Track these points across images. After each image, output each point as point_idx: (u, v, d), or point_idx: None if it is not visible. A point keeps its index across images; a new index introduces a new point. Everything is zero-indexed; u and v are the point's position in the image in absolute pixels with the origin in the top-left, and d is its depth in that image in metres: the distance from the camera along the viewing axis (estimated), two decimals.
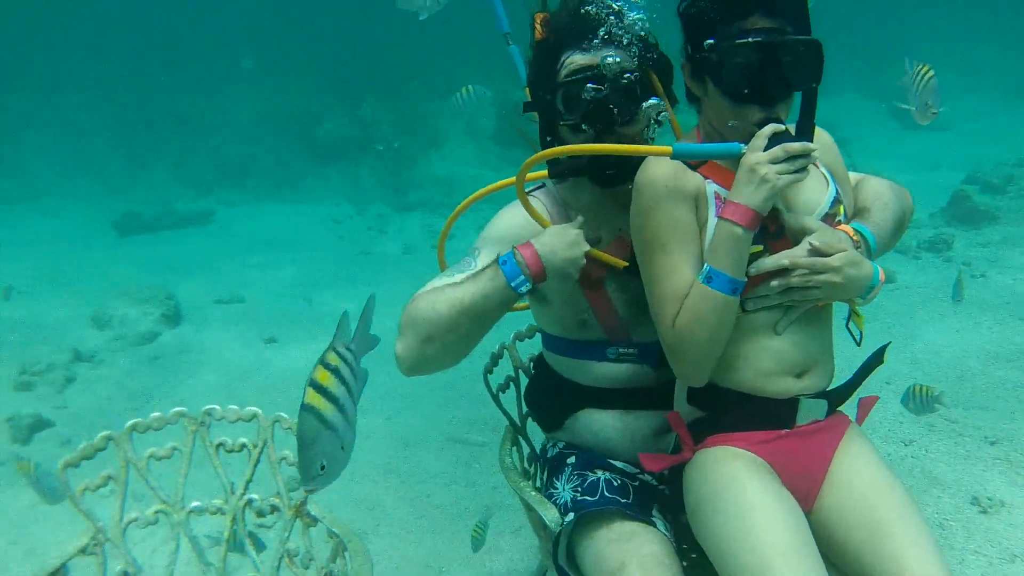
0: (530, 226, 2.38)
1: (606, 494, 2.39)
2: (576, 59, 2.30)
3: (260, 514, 2.84)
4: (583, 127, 2.28)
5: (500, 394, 3.21)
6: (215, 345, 7.71)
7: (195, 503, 2.85)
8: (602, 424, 2.55)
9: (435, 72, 18.61)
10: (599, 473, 2.49)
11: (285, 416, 2.78)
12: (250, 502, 2.85)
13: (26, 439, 6.06)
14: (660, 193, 2.11)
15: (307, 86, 18.40)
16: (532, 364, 3.13)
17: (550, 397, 2.75)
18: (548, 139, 2.46)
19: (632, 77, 2.26)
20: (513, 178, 2.41)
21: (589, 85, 2.23)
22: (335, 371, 1.82)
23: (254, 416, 2.83)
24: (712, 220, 2.11)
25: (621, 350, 2.48)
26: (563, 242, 2.24)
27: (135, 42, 21.74)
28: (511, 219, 2.47)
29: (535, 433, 3.03)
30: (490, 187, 2.59)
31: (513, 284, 2.23)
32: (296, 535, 2.78)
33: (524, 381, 3.18)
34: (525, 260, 2.22)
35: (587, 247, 2.27)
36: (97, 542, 2.75)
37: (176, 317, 8.35)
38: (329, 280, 9.71)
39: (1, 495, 5.38)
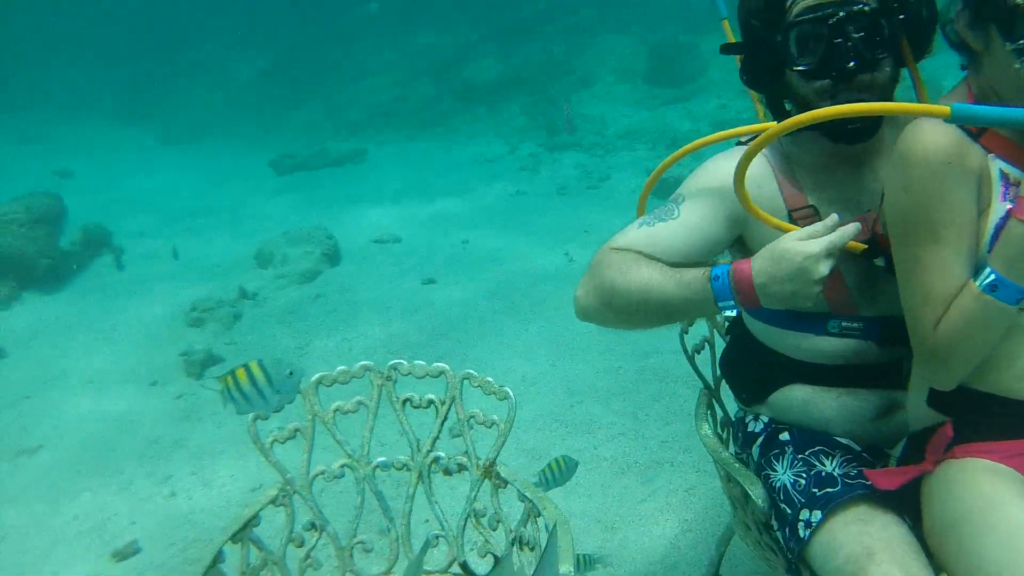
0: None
1: (848, 481, 2.11)
2: None
3: (447, 472, 2.75)
4: (817, 75, 1.97)
5: (695, 355, 3.01)
6: (375, 284, 7.74)
7: (380, 459, 2.78)
8: (816, 403, 2.29)
9: (586, 9, 18.30)
10: (826, 462, 2.20)
11: (474, 373, 2.65)
12: (437, 460, 2.75)
13: (199, 374, 6.21)
14: (938, 168, 1.77)
15: (457, 26, 18.36)
16: (727, 327, 2.86)
17: (753, 369, 2.49)
18: (766, 87, 2.20)
19: (884, 16, 1.94)
20: (732, 131, 2.18)
21: (830, 23, 1.90)
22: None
23: (441, 372, 2.70)
24: (997, 207, 1.78)
25: (844, 324, 2.18)
26: (790, 269, 1.89)
27: None
28: (722, 170, 2.16)
29: (727, 396, 2.84)
30: (707, 139, 2.32)
31: (720, 304, 1.99)
32: (484, 496, 2.69)
33: (719, 344, 2.97)
34: (739, 284, 1.96)
35: (825, 271, 1.90)
36: (286, 493, 2.72)
37: (336, 256, 8.44)
38: (483, 220, 9.61)
39: (182, 426, 5.54)
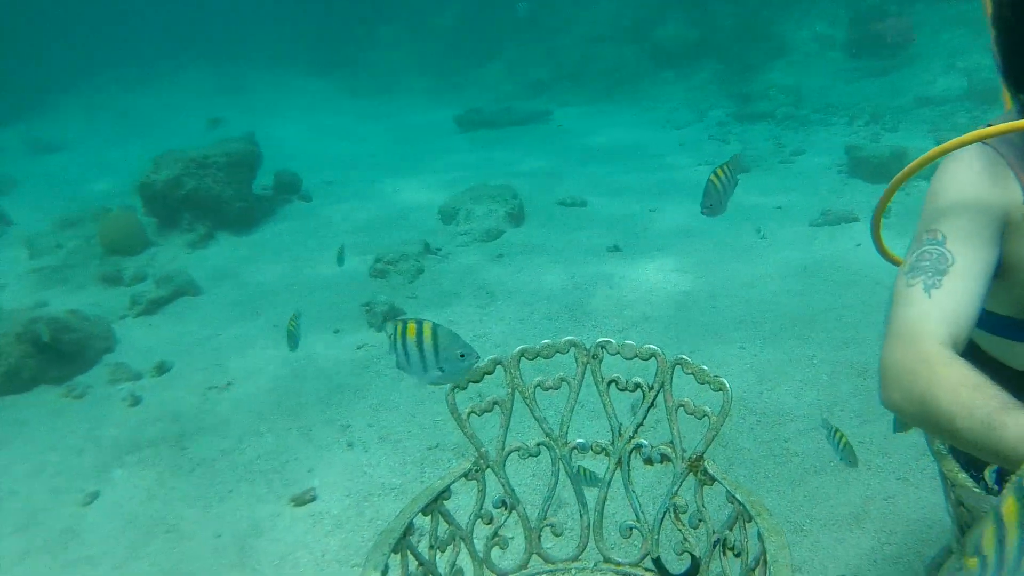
0: (993, 183, 1.83)
1: None
2: None
3: (649, 462, 2.58)
4: None
5: None
6: (558, 248, 7.62)
7: (579, 440, 2.64)
8: None
9: None
10: None
11: (687, 359, 2.46)
12: (639, 447, 2.59)
13: (380, 325, 6.25)
14: None
15: None
16: None
17: None
18: None
19: None
20: (982, 131, 1.81)
21: None
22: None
23: (652, 355, 2.53)
24: None
25: None
26: None
27: None
28: (967, 179, 1.89)
29: None
30: (946, 145, 1.90)
31: None
32: (687, 491, 2.52)
33: None
34: None
35: None
36: (479, 468, 2.62)
37: (520, 216, 8.35)
38: (669, 189, 9.32)
39: (362, 377, 5.60)
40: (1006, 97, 2.17)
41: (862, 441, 4.40)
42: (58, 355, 5.98)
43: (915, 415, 1.67)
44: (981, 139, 1.84)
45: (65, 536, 4.29)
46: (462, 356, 2.39)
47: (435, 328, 2.41)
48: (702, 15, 16.76)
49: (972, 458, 2.11)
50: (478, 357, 2.43)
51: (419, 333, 2.40)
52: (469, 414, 2.61)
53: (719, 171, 4.03)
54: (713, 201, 4.05)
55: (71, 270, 8.00)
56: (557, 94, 15.87)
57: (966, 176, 1.89)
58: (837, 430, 3.69)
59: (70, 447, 5.13)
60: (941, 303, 1.76)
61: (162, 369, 5.95)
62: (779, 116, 12.70)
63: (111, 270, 7.81)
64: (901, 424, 3.31)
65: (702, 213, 4.08)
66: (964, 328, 1.73)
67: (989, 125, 1.82)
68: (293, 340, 5.34)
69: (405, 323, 2.43)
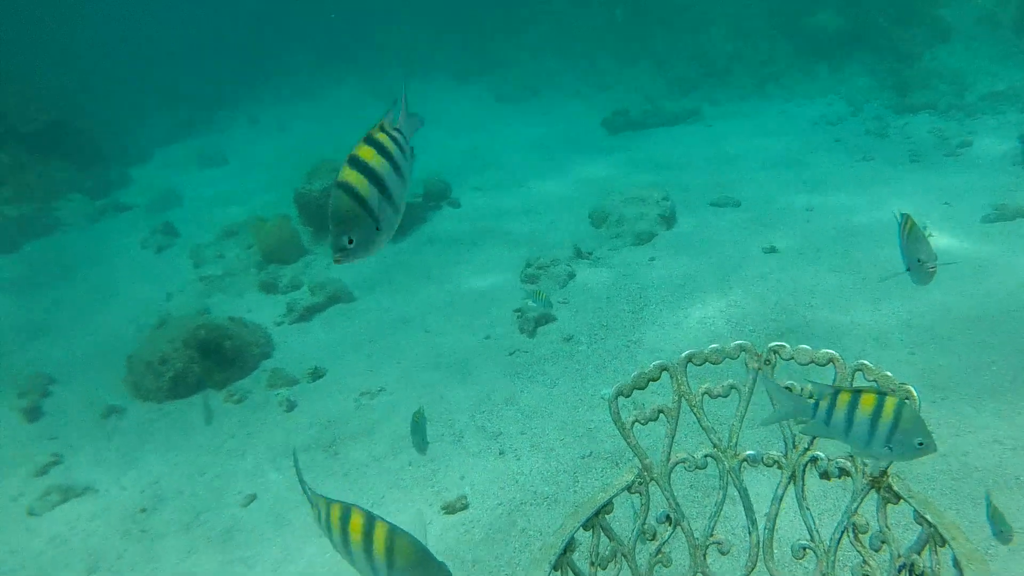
0: None
1: None
2: None
3: (825, 476, 2.41)
4: None
5: None
6: (712, 250, 7.37)
7: (750, 451, 2.49)
8: None
9: None
10: None
11: (869, 364, 2.30)
12: (814, 459, 2.43)
13: (532, 332, 6.19)
14: None
15: None
16: None
17: None
18: None
19: None
20: None
21: None
22: (379, 147, 1.76)
23: (830, 360, 2.37)
24: None
25: None
26: None
27: None
28: None
29: None
30: None
31: None
32: (867, 509, 2.34)
33: None
34: None
35: None
36: (643, 481, 2.50)
37: (672, 218, 8.14)
38: (826, 186, 8.93)
39: (514, 384, 5.55)
40: None
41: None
42: (220, 360, 6.17)
43: None
44: None
45: (224, 536, 4.40)
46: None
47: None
48: (854, 2, 16.10)
49: None
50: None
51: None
52: (633, 423, 2.50)
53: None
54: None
55: (232, 278, 8.28)
56: (707, 92, 15.51)
57: None
58: (995, 508, 3.30)
59: (230, 450, 5.27)
60: None
61: (317, 375, 6.06)
62: (942, 106, 12.03)
63: (268, 278, 8.02)
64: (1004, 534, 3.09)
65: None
66: None
67: None
68: (419, 437, 4.69)
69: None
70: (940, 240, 6.92)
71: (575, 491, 4.29)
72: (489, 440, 4.91)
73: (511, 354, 5.95)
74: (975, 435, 4.30)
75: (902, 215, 2.82)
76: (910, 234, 2.78)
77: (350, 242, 1.72)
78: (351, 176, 1.72)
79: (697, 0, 18.33)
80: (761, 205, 8.47)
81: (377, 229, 1.76)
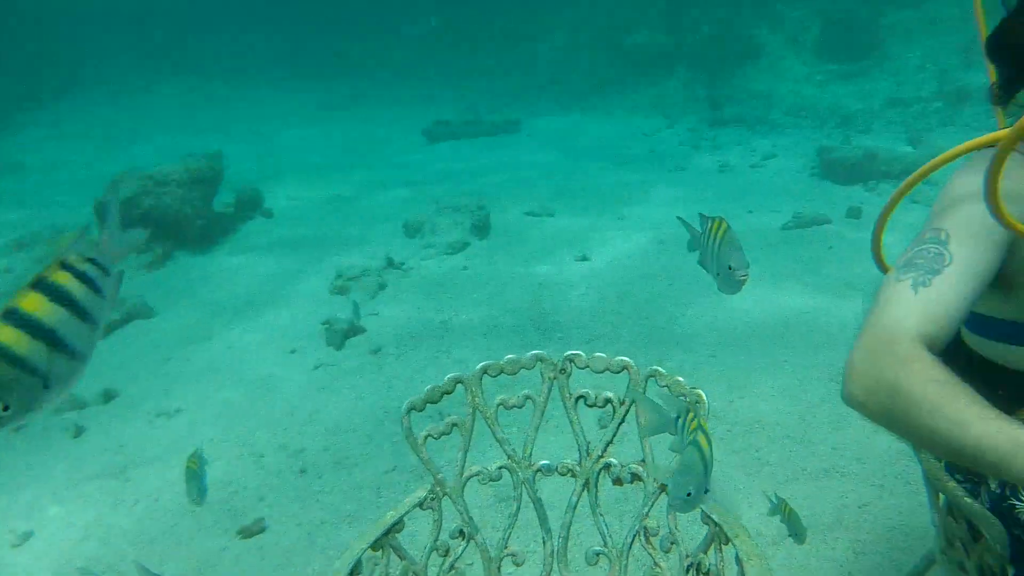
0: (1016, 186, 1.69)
1: None
2: None
3: (618, 481, 2.37)
4: None
5: None
6: (525, 259, 7.37)
7: (544, 461, 2.42)
8: None
9: None
10: None
11: (662, 371, 2.26)
12: (608, 466, 2.37)
13: (340, 344, 5.98)
14: None
15: None
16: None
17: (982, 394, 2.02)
18: None
19: None
20: (993, 135, 1.68)
21: None
22: (52, 291, 1.45)
23: (624, 368, 2.32)
24: None
25: None
26: None
27: None
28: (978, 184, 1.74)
29: None
30: (959, 149, 1.78)
31: None
32: (659, 512, 2.30)
33: None
34: None
35: None
36: (435, 496, 2.38)
37: (485, 228, 8.09)
38: (636, 197, 9.11)
39: (318, 398, 5.31)
40: (999, 120, 2.09)
41: (836, 447, 4.23)
42: None
43: (878, 411, 1.60)
44: (994, 143, 1.68)
45: None
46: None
47: None
48: (675, 21, 16.65)
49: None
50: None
51: None
52: (426, 438, 2.38)
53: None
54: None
55: None
56: (529, 103, 15.71)
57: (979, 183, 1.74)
58: (784, 502, 3.38)
59: (12, 484, 4.82)
60: (927, 302, 1.67)
61: (109, 396, 5.64)
62: (750, 120, 12.57)
63: None
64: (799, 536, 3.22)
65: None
66: (946, 330, 1.65)
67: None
68: (195, 485, 3.67)
69: None
70: (744, 246, 7.13)
71: (378, 507, 4.12)
72: (290, 458, 4.67)
73: (317, 368, 5.72)
74: (768, 431, 4.40)
75: (710, 218, 2.73)
76: (723, 239, 2.73)
77: (5, 408, 1.38)
78: (3, 335, 1.38)
79: (527, 14, 18.58)
80: (575, 214, 8.54)
81: (45, 387, 1.43)
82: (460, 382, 2.40)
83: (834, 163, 9.12)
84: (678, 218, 2.67)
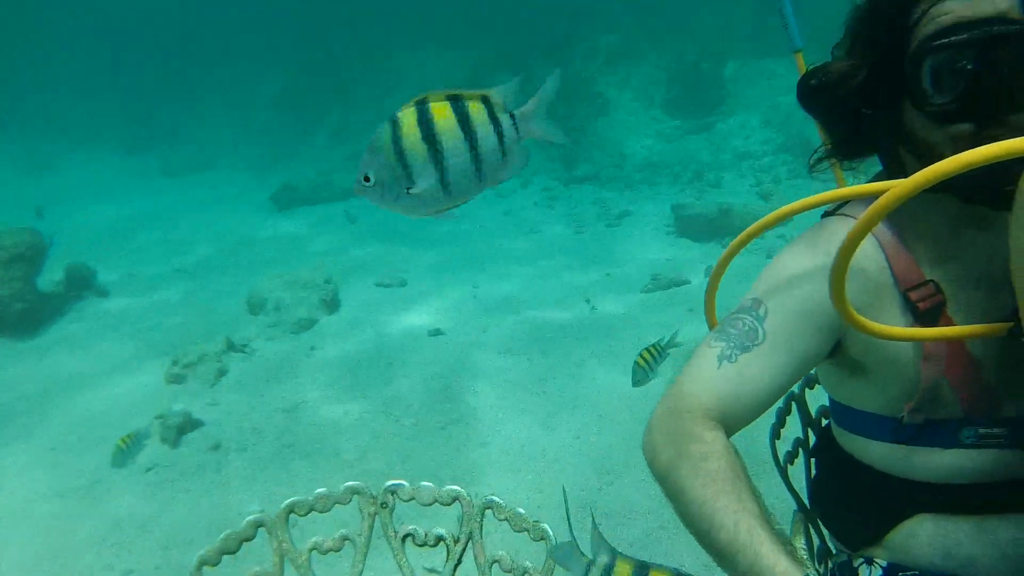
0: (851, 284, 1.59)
1: None
2: (953, 7, 1.47)
3: None
4: (957, 117, 1.47)
5: (788, 465, 2.34)
6: (376, 335, 7.00)
7: None
8: (955, 538, 1.73)
9: (604, 35, 17.82)
10: None
11: (499, 501, 1.98)
12: None
13: (175, 441, 5.49)
14: None
15: (469, 54, 17.87)
16: (813, 446, 2.25)
17: (859, 503, 1.90)
18: (881, 134, 1.65)
19: None
20: (817, 197, 1.59)
21: (981, 47, 1.42)
22: (463, 117, 1.59)
23: (455, 499, 2.02)
24: None
25: (983, 430, 1.66)
26: None
27: (300, 10, 21.91)
28: (809, 263, 1.70)
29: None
30: (792, 207, 1.66)
31: None
32: None
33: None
34: None
35: None
36: None
37: (334, 302, 7.70)
38: (492, 262, 8.88)
39: (150, 507, 4.80)
40: (838, 177, 2.06)
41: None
42: None
43: (658, 477, 1.61)
44: (822, 204, 1.63)
45: None
46: None
47: None
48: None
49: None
50: None
51: None
52: None
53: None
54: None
55: None
56: None
57: (811, 261, 1.68)
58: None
59: None
60: (727, 379, 1.64)
61: None
62: (603, 178, 12.58)
63: None
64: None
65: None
66: (743, 411, 1.63)
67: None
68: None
69: None
70: (604, 312, 6.99)
71: None
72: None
73: (149, 470, 5.20)
74: (643, 521, 4.15)
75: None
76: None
77: (366, 179, 1.61)
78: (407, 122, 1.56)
79: (374, 74, 18.43)
80: (428, 284, 8.26)
81: (408, 189, 1.62)
82: (261, 525, 2.05)
83: (689, 220, 9.12)
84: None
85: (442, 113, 1.56)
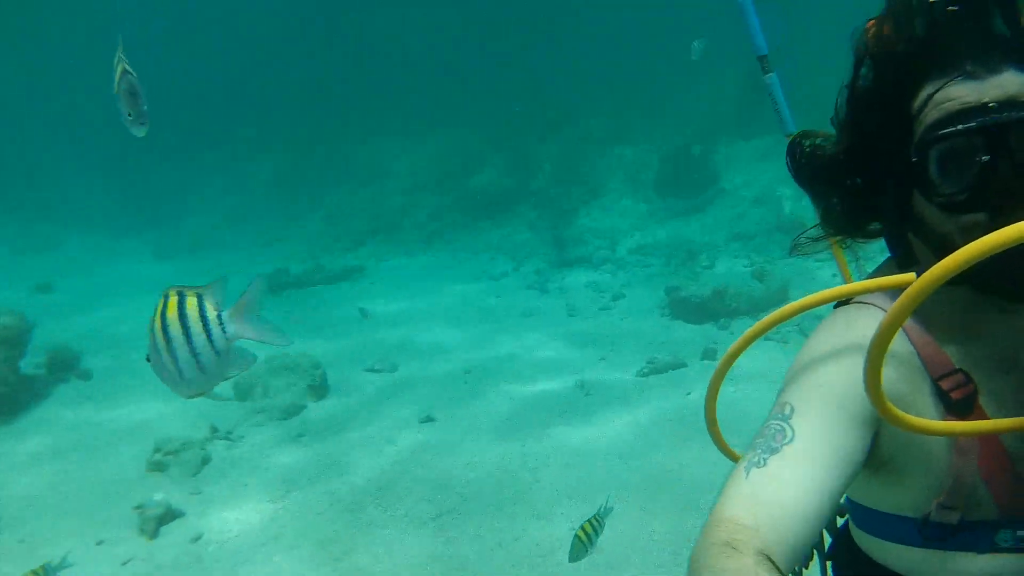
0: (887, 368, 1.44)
1: None
2: (959, 92, 1.39)
3: None
4: (969, 207, 1.38)
5: (803, 569, 2.17)
6: (366, 422, 6.82)
7: None
8: None
9: (594, 120, 18.03)
10: None
11: None
12: None
13: (154, 532, 5.28)
14: None
15: (463, 137, 18.02)
16: (829, 547, 2.06)
17: None
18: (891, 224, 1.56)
19: None
20: (830, 292, 1.55)
21: (990, 135, 1.33)
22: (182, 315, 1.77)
23: None
24: None
25: (1021, 532, 1.51)
26: None
27: (293, 94, 22.19)
28: (837, 352, 1.56)
29: None
30: (810, 300, 1.60)
31: None
32: None
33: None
34: None
35: None
36: None
37: (323, 388, 7.52)
38: (487, 347, 8.72)
39: None
40: (839, 258, 2.01)
41: None
42: None
43: None
44: (838, 298, 1.57)
45: None
46: None
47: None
48: (519, 161, 16.83)
49: None
50: None
51: None
52: None
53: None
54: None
55: None
56: (375, 247, 15.39)
57: (839, 350, 1.54)
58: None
59: None
60: (756, 485, 1.44)
61: None
62: (596, 260, 12.51)
63: None
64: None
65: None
66: (788, 523, 1.38)
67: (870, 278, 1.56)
68: None
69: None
70: (601, 398, 6.85)
71: None
72: None
73: (126, 563, 4.98)
74: None
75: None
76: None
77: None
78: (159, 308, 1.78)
79: (365, 158, 18.55)
80: (418, 369, 8.09)
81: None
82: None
83: (683, 302, 9.03)
84: None
85: (171, 308, 1.76)
